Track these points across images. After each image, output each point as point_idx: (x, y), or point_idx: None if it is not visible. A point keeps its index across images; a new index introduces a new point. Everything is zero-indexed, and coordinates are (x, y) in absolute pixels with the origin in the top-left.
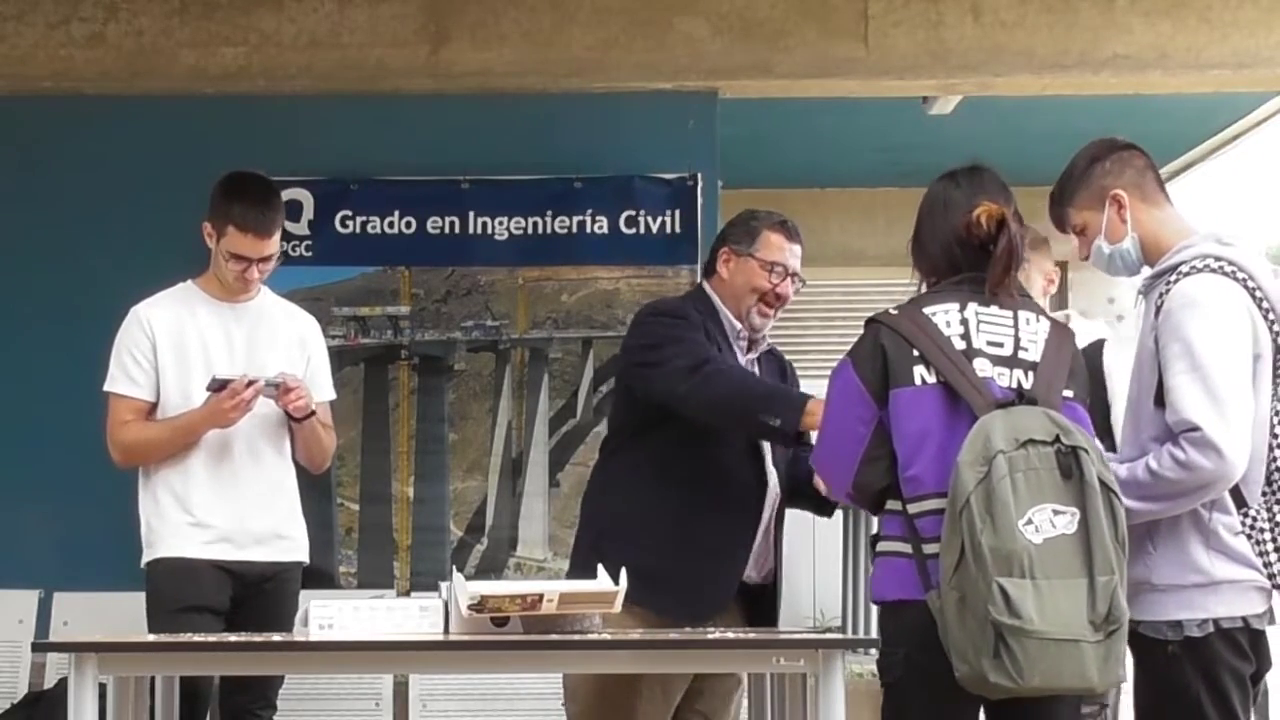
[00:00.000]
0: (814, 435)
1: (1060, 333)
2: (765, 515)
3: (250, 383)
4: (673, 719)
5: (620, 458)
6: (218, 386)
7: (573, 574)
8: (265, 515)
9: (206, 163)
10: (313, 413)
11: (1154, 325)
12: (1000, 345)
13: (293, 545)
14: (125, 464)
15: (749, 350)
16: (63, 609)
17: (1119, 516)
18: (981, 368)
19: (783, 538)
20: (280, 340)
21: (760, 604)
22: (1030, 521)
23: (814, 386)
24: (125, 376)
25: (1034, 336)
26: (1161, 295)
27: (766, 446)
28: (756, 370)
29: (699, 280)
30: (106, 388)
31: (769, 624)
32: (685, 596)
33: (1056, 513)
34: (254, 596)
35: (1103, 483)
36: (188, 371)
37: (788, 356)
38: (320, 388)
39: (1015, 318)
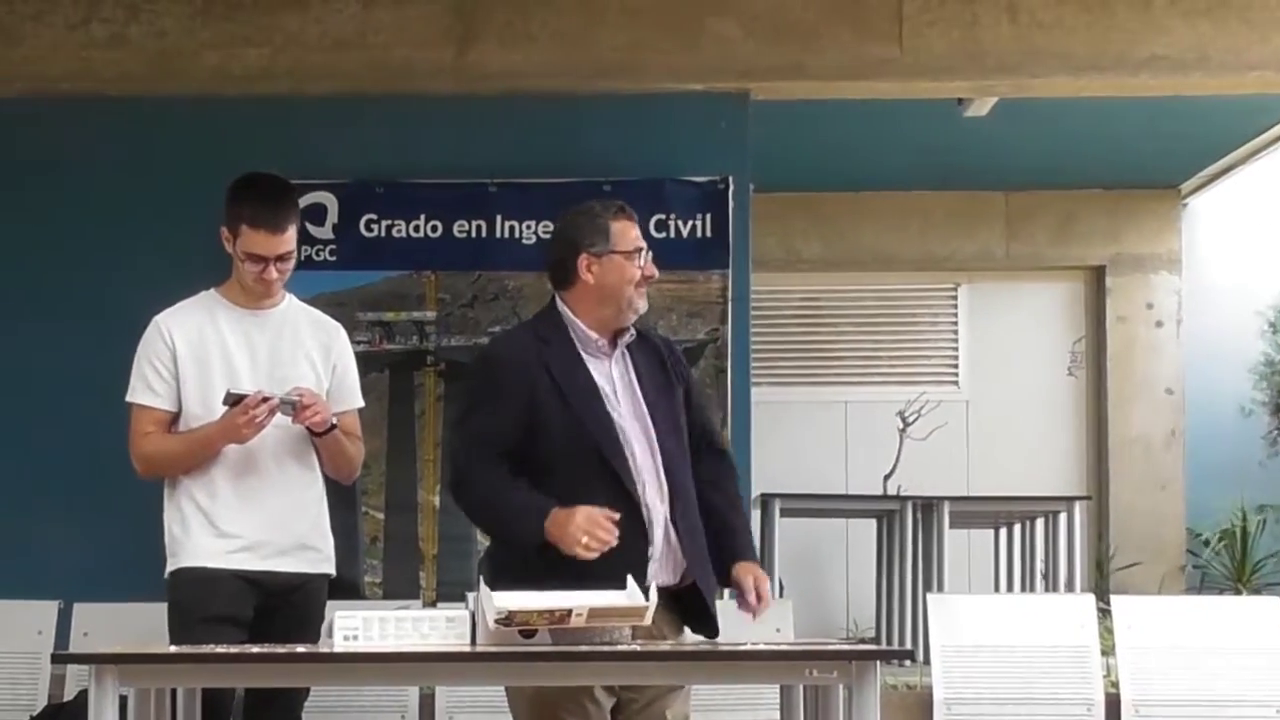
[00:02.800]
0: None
1: None
2: (657, 529)
3: (265, 399)
4: None
5: None
6: (232, 401)
7: None
8: (290, 526)
9: (229, 166)
10: (334, 426)
11: None
12: None
13: (319, 557)
14: (146, 475)
15: (613, 348)
16: (82, 620)
17: None
18: None
19: (699, 538)
20: (304, 348)
21: (689, 607)
22: None
23: (843, 392)
24: (146, 387)
25: None
26: None
27: (637, 463)
28: (630, 370)
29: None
30: (128, 398)
31: (706, 628)
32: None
33: None
34: (279, 608)
35: None
36: (209, 382)
37: (819, 361)
38: (347, 396)
39: None
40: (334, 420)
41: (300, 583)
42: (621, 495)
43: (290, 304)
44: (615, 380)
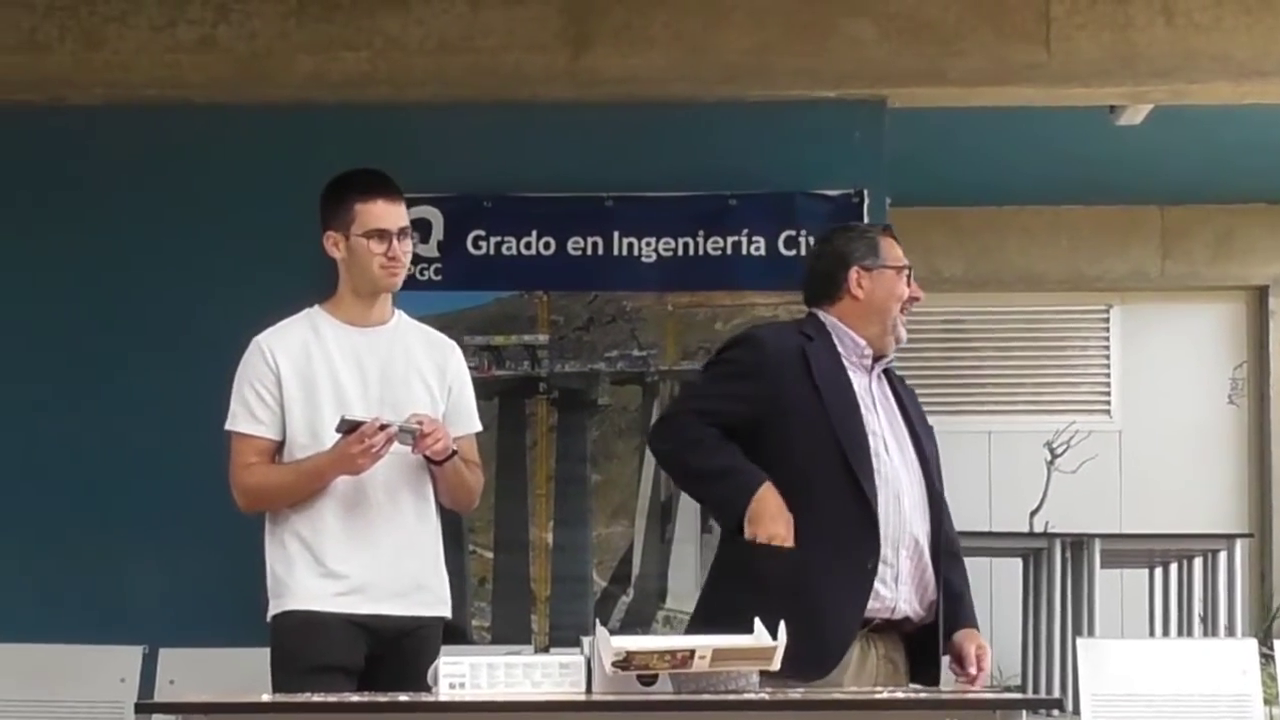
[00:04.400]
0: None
1: None
2: (904, 548)
3: (383, 426)
4: None
5: None
6: (347, 429)
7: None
8: (404, 565)
9: (324, 178)
10: (454, 453)
11: None
12: None
13: (434, 598)
14: (249, 510)
15: (871, 370)
16: (169, 666)
17: None
18: None
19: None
20: (418, 368)
21: (925, 646)
22: None
23: (986, 421)
24: (248, 414)
25: None
26: None
27: (894, 476)
28: (889, 392)
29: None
30: (228, 426)
31: (930, 671)
32: (795, 650)
33: None
34: (391, 655)
35: None
36: (316, 406)
37: (960, 388)
38: (465, 420)
39: None
40: (454, 447)
41: (413, 628)
42: (860, 503)
43: (401, 320)
44: (874, 394)
